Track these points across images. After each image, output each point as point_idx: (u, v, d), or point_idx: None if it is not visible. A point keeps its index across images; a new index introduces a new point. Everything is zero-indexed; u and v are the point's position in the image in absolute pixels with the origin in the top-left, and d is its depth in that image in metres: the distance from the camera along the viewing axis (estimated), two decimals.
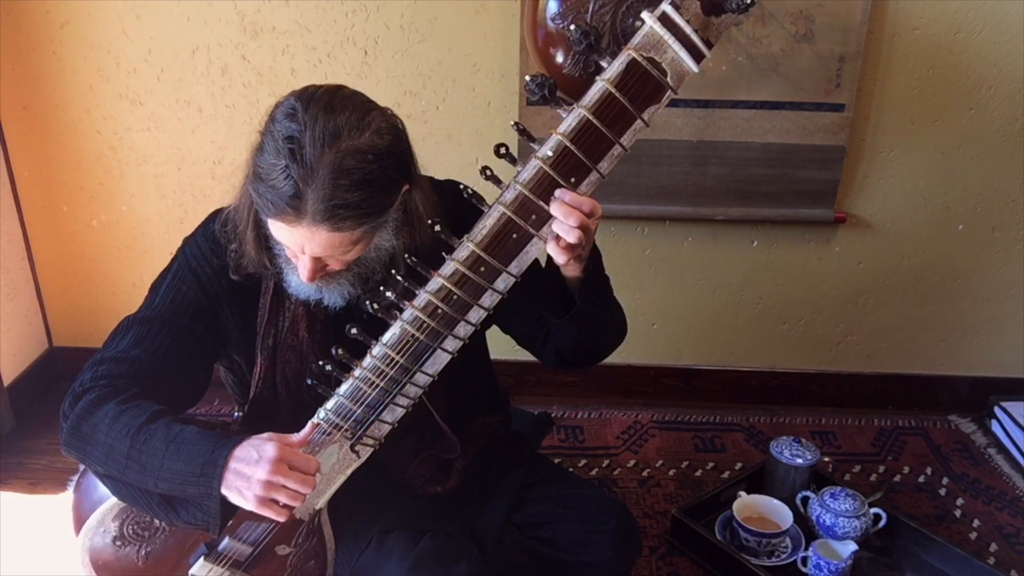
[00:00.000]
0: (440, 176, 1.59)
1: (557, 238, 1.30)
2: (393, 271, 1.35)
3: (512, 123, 1.29)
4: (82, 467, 1.48)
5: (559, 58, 1.45)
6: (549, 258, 1.39)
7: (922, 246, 2.59)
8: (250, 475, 1.28)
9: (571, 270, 1.41)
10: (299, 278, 1.41)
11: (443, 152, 2.47)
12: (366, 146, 1.29)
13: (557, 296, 1.49)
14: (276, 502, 1.31)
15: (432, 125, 2.46)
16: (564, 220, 1.27)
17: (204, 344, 1.49)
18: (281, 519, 1.33)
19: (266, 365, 1.51)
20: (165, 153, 2.52)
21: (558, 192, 1.27)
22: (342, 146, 1.28)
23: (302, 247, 1.34)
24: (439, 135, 2.47)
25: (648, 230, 2.58)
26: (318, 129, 1.28)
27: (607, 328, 1.58)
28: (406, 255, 1.33)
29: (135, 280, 2.68)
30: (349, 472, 1.45)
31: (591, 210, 1.28)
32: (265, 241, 1.43)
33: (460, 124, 2.47)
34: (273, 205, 1.29)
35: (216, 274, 1.48)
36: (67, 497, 2.25)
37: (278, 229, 1.34)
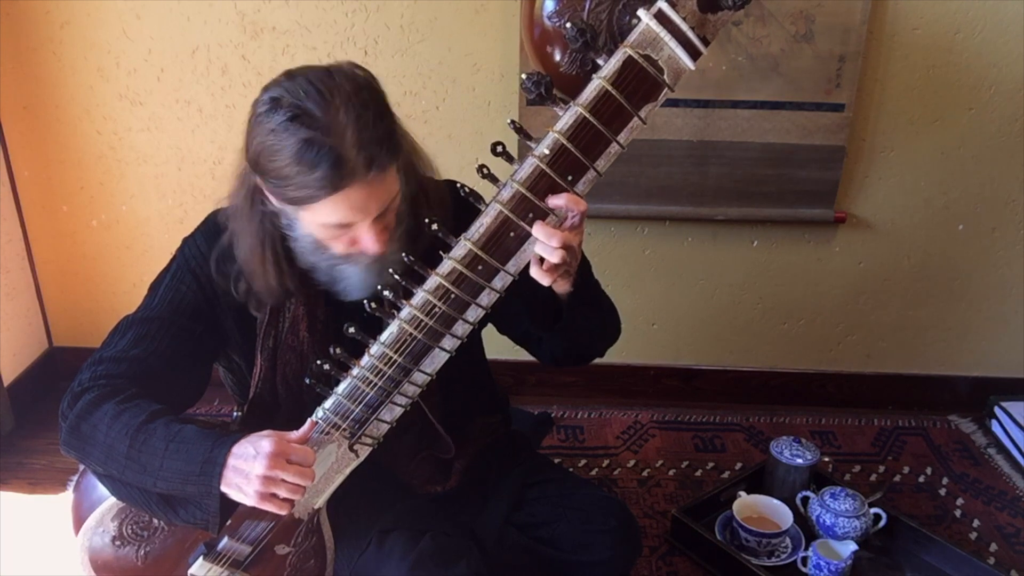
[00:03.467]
0: (440, 177, 1.59)
1: (540, 261, 1.30)
2: (390, 270, 1.34)
3: (509, 121, 1.28)
4: (82, 467, 1.48)
5: (556, 56, 1.44)
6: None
7: (922, 246, 2.59)
8: (248, 471, 1.28)
9: (560, 287, 1.40)
10: (358, 273, 1.39)
11: (443, 152, 2.46)
12: (362, 80, 1.31)
13: (545, 308, 1.48)
14: (276, 496, 1.31)
15: (432, 125, 2.46)
16: (546, 241, 1.26)
17: (203, 344, 1.49)
18: (283, 512, 1.33)
19: (266, 366, 1.50)
20: (165, 153, 2.52)
21: (550, 199, 1.27)
22: (341, 91, 1.28)
23: (364, 210, 1.32)
24: (439, 135, 2.47)
25: (648, 230, 2.58)
26: (310, 93, 1.27)
27: (598, 334, 1.58)
28: (404, 254, 1.33)
29: (135, 280, 2.68)
30: (348, 471, 1.45)
31: (584, 210, 1.28)
32: (288, 265, 1.42)
33: (460, 124, 2.47)
34: (317, 186, 1.26)
35: (215, 275, 1.47)
36: (67, 497, 2.25)
37: (331, 211, 1.30)
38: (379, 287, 1.33)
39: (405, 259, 1.32)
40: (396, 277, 1.32)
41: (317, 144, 1.25)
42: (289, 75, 1.33)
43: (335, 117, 1.26)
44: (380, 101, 1.33)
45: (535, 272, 1.31)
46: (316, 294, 1.48)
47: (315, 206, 1.31)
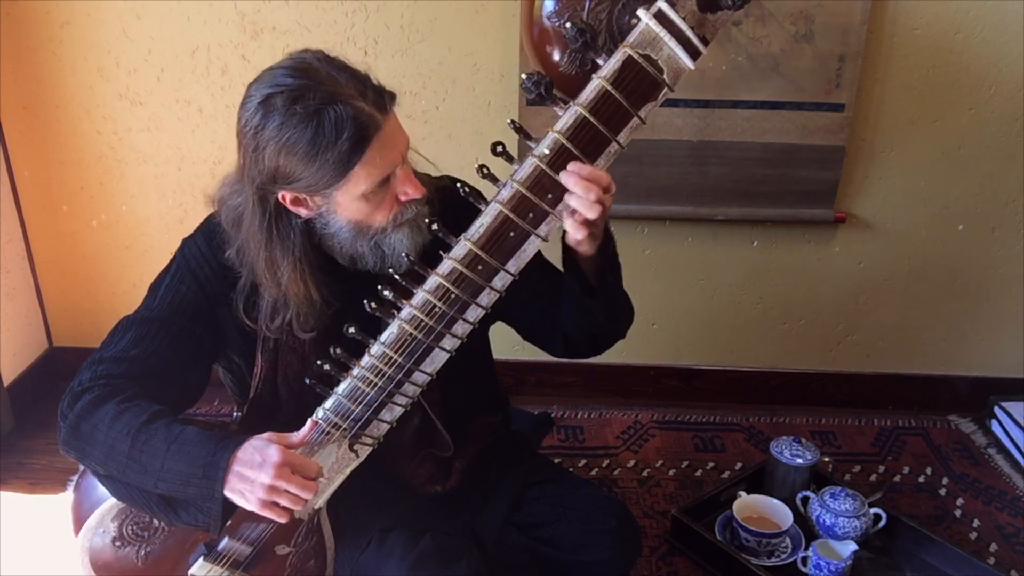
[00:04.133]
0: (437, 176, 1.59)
1: (573, 212, 1.29)
2: (391, 270, 1.34)
3: (509, 121, 1.29)
4: (82, 467, 1.47)
5: (556, 56, 1.44)
6: (564, 243, 1.40)
7: (922, 246, 2.59)
8: (253, 479, 1.28)
9: (586, 248, 1.39)
10: (404, 238, 1.40)
11: (443, 152, 2.47)
12: (318, 50, 1.36)
13: (575, 278, 1.48)
14: (277, 504, 1.31)
15: (432, 125, 2.46)
16: (584, 195, 1.26)
17: (203, 345, 1.49)
18: (283, 520, 1.33)
19: (267, 367, 1.50)
20: (165, 153, 2.52)
21: (573, 165, 1.26)
22: (314, 61, 1.31)
23: (395, 153, 1.34)
24: (439, 135, 2.47)
25: (648, 230, 2.58)
26: (290, 75, 1.30)
27: (623, 309, 1.58)
28: (404, 254, 1.33)
29: (135, 280, 2.68)
30: (348, 471, 1.45)
31: (608, 185, 1.28)
32: (319, 273, 1.43)
33: (460, 124, 2.47)
34: (350, 148, 1.28)
35: (215, 275, 1.47)
36: (67, 497, 2.25)
37: (368, 170, 1.32)
38: (379, 287, 1.33)
39: (407, 259, 1.32)
40: (397, 277, 1.33)
41: (330, 110, 1.27)
42: (254, 81, 1.35)
43: (327, 80, 1.29)
44: (344, 61, 1.35)
45: (568, 224, 1.31)
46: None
47: (353, 174, 1.31)
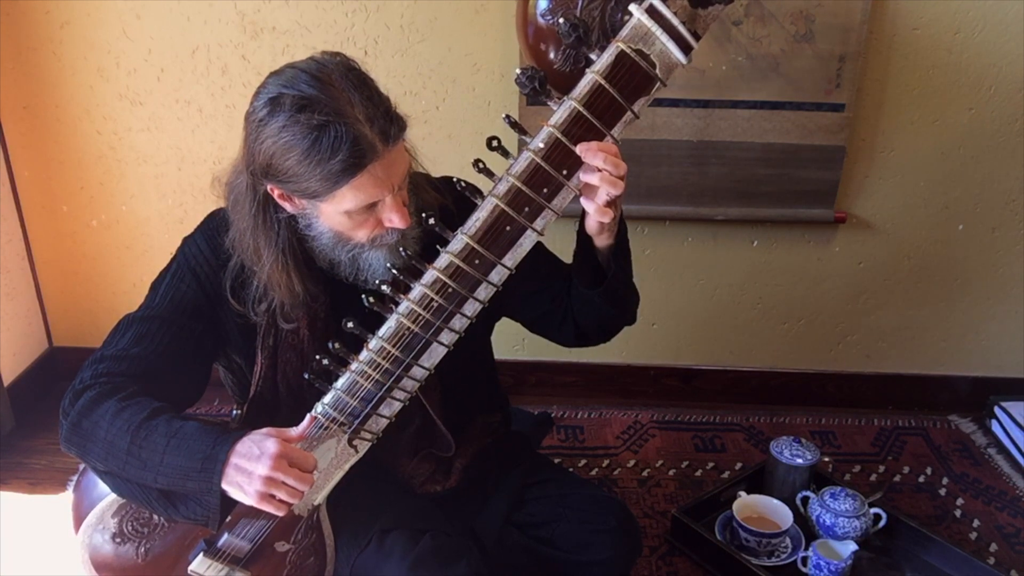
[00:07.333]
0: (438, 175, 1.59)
1: (595, 195, 1.30)
2: (389, 264, 1.35)
3: (504, 116, 1.29)
4: (82, 466, 1.48)
5: (551, 54, 1.45)
6: (580, 233, 1.40)
7: (922, 246, 2.59)
8: (251, 471, 1.28)
9: (607, 237, 1.40)
10: (382, 257, 1.40)
11: (443, 152, 2.47)
12: (345, 60, 1.33)
13: (588, 268, 1.48)
14: (274, 497, 1.31)
15: (432, 125, 2.46)
16: (614, 171, 1.26)
17: (203, 343, 1.49)
18: (280, 513, 1.33)
19: (267, 365, 1.50)
20: (165, 153, 2.52)
21: (594, 144, 1.26)
22: (335, 73, 1.29)
23: (387, 185, 1.33)
24: (439, 135, 2.47)
25: (648, 230, 2.58)
26: (306, 81, 1.28)
27: (632, 297, 1.59)
28: (401, 248, 1.34)
29: (135, 280, 2.68)
30: (347, 467, 1.45)
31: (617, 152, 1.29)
32: (308, 268, 1.44)
33: (460, 124, 2.47)
34: (341, 170, 1.27)
35: (216, 274, 1.47)
36: (67, 497, 2.25)
37: (355, 194, 1.32)
38: (376, 282, 1.33)
39: (403, 253, 1.32)
40: (395, 271, 1.33)
41: (332, 128, 1.26)
42: (275, 73, 1.34)
43: (340, 98, 1.27)
44: (369, 77, 1.34)
45: (594, 210, 1.31)
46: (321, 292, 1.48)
47: (339, 193, 1.31)
